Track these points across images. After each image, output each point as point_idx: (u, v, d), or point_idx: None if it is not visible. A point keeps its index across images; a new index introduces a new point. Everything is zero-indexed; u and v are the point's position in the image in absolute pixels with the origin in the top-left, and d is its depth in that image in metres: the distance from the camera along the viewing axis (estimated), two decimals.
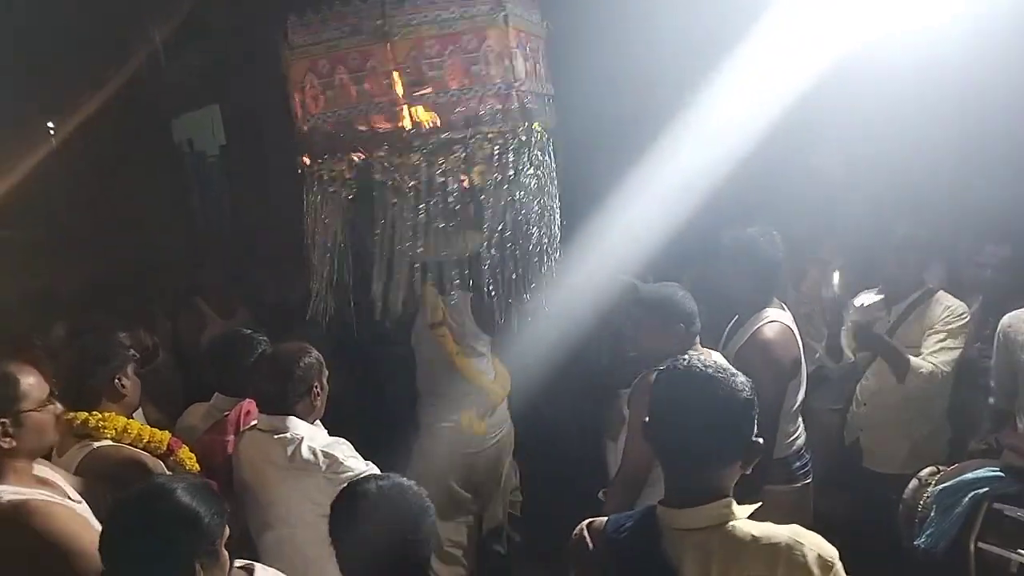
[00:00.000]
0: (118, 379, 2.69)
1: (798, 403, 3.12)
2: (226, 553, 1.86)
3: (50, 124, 6.53)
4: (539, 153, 3.02)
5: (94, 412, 2.55)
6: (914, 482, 2.83)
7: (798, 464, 3.12)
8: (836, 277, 3.42)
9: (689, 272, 4.33)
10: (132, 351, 2.81)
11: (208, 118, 6.84)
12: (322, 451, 2.52)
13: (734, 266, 3.11)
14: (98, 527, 1.97)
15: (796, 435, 3.14)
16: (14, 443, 2.05)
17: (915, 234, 3.47)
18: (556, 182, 3.12)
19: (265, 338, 3.08)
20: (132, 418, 2.73)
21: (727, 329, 3.23)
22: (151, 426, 2.74)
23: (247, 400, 2.92)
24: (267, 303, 4.81)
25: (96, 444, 2.51)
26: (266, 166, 6.12)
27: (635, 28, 4.25)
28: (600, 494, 2.98)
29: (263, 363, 2.66)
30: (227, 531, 1.86)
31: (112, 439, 2.56)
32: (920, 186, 3.87)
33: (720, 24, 3.77)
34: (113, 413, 2.62)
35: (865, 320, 3.31)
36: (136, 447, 2.59)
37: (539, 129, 3.00)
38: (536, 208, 3.02)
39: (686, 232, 3.91)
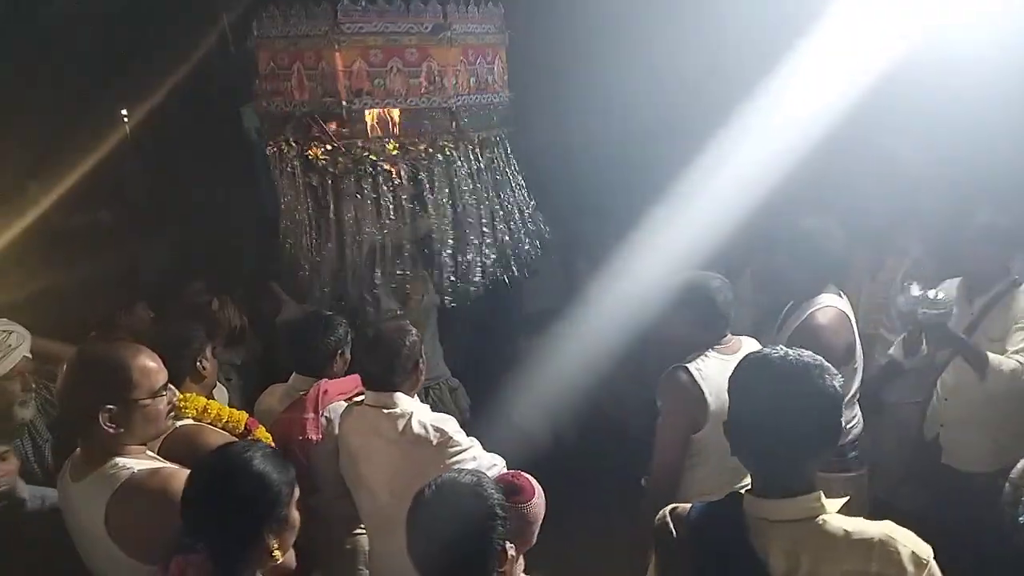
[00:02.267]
0: (199, 361, 2.81)
1: (854, 390, 3.09)
2: (296, 514, 1.93)
3: (124, 111, 6.71)
4: (475, 161, 3.41)
5: (180, 392, 2.62)
6: (1008, 486, 2.72)
7: (853, 454, 3.10)
8: (915, 287, 3.26)
9: (753, 263, 4.30)
10: (208, 333, 2.92)
11: None
12: (432, 425, 2.58)
13: (790, 258, 3.11)
14: None
15: (852, 422, 3.11)
16: (121, 430, 2.08)
17: (995, 223, 3.32)
18: (512, 185, 3.54)
19: (344, 320, 3.16)
20: (212, 397, 2.83)
21: (782, 314, 3.22)
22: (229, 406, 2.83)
23: (324, 380, 3.00)
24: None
25: (179, 423, 2.59)
26: None
27: (705, 14, 4.18)
28: (643, 480, 2.96)
29: (368, 345, 2.71)
30: (296, 494, 1.93)
31: (194, 418, 2.65)
32: (1003, 173, 3.73)
33: (795, 7, 3.70)
34: (194, 393, 2.73)
35: (934, 317, 3.16)
36: (215, 426, 2.67)
37: (477, 140, 3.38)
38: (479, 207, 3.44)
39: (759, 223, 3.86)
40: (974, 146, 3.74)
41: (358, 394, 2.90)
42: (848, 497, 1.77)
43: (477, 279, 3.53)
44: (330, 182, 3.32)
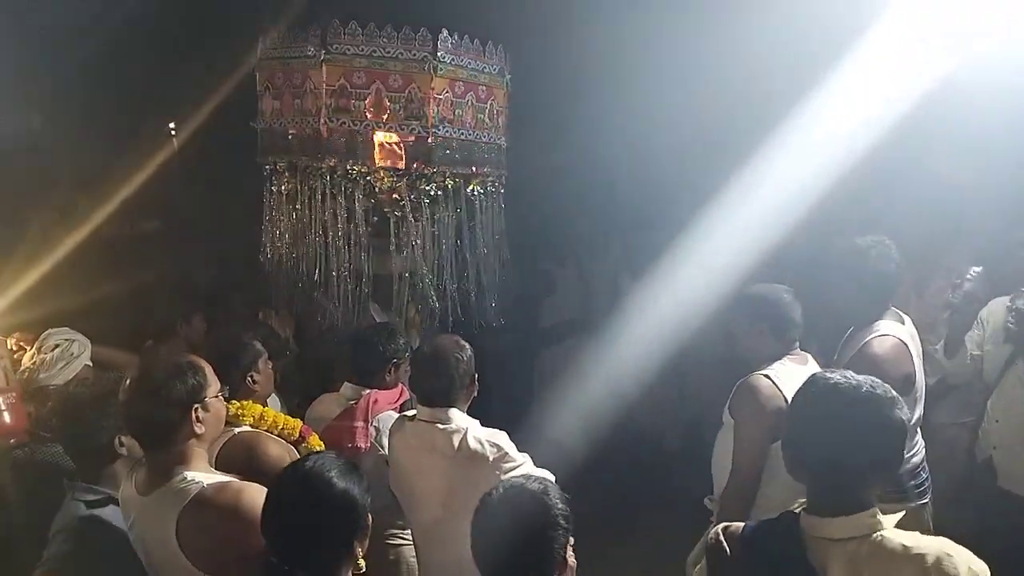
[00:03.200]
0: (250, 376, 2.83)
1: (915, 419, 3.01)
2: (370, 517, 1.98)
3: (172, 125, 6.86)
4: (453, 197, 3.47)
5: (233, 401, 2.67)
6: None
7: (913, 483, 3.02)
8: (967, 285, 3.27)
9: (789, 282, 4.27)
10: (261, 346, 2.93)
11: None
12: (488, 441, 2.59)
13: (844, 278, 3.02)
14: None
15: (912, 452, 3.04)
16: (204, 429, 2.17)
17: None
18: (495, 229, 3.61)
19: (400, 331, 3.22)
20: (267, 406, 2.89)
21: (842, 341, 3.14)
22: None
23: (374, 390, 3.06)
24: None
25: (237, 430, 2.65)
26: None
27: (752, 29, 4.19)
28: (706, 501, 2.96)
29: (425, 360, 2.73)
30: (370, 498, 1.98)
31: (251, 425, 2.70)
32: None
33: (841, 25, 3.70)
34: (250, 401, 2.77)
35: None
36: (271, 433, 2.73)
37: (454, 176, 3.44)
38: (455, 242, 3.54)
39: (806, 239, 3.85)
40: (1013, 166, 3.70)
41: (403, 407, 2.94)
42: (904, 512, 1.78)
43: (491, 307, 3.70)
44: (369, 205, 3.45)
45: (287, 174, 3.49)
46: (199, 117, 5.92)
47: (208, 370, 2.23)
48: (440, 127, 3.30)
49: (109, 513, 2.41)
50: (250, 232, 6.01)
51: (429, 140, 3.29)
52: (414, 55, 3.22)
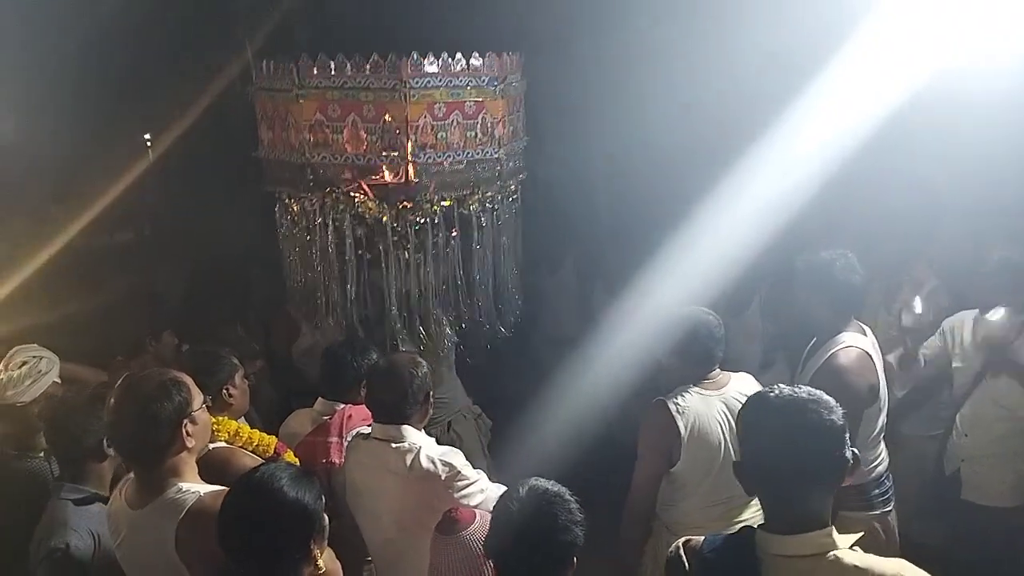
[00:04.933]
0: (226, 389, 2.83)
1: (878, 430, 3.08)
2: (326, 518, 2.01)
3: (147, 136, 6.80)
4: (508, 205, 3.49)
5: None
6: None
7: (877, 491, 3.08)
8: (918, 302, 3.32)
9: (762, 293, 4.32)
10: (237, 361, 2.93)
11: None
12: (440, 460, 2.58)
13: (809, 290, 3.09)
14: None
15: (876, 462, 3.10)
16: (194, 441, 2.19)
17: (1011, 258, 3.37)
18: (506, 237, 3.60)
19: (374, 347, 3.19)
20: (242, 422, 2.88)
21: (804, 352, 3.20)
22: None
23: (348, 405, 3.05)
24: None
25: (211, 446, 2.63)
26: None
27: (723, 40, 4.25)
28: None
29: (379, 375, 2.73)
30: (323, 500, 2.01)
31: (225, 441, 2.70)
32: (1022, 209, 3.77)
33: (815, 36, 3.75)
34: (225, 417, 2.77)
35: (1000, 336, 3.20)
36: (246, 450, 2.73)
37: (513, 183, 3.45)
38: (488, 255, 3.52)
39: (773, 252, 3.89)
40: (993, 179, 3.76)
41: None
42: (862, 532, 1.79)
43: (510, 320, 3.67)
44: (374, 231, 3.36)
45: (289, 201, 3.47)
46: (176, 129, 5.90)
47: (190, 383, 2.24)
48: (420, 154, 3.21)
49: (95, 511, 2.46)
50: (222, 245, 6.01)
51: (409, 169, 3.20)
52: (384, 83, 3.12)
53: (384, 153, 3.18)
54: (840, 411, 1.76)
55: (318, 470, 2.85)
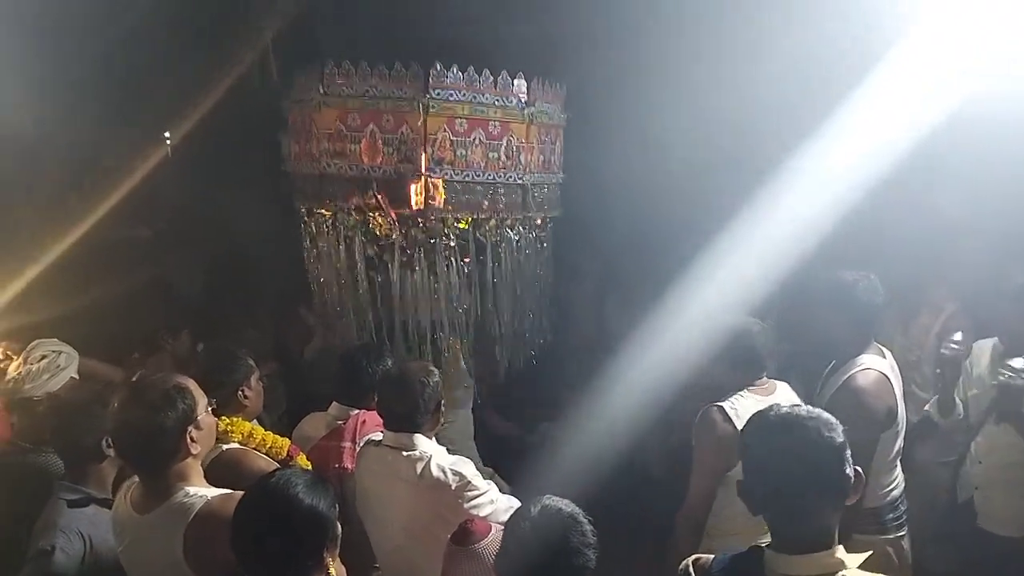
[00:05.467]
0: (241, 391, 2.84)
1: (894, 453, 3.06)
2: (339, 526, 2.01)
3: (167, 133, 6.84)
4: (535, 238, 3.40)
5: (222, 417, 2.68)
6: None
7: (891, 515, 3.06)
8: (959, 335, 3.31)
9: (779, 312, 4.30)
10: (253, 362, 2.94)
11: None
12: (451, 469, 2.59)
13: (829, 311, 3.07)
14: None
15: (892, 486, 3.08)
16: (199, 447, 2.20)
17: None
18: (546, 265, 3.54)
19: (390, 354, 3.20)
20: (254, 423, 2.89)
21: (824, 374, 3.19)
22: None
23: (362, 410, 3.05)
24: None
25: (225, 447, 2.65)
26: None
27: (749, 57, 4.24)
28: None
29: (391, 383, 2.73)
30: (337, 510, 2.01)
31: (239, 443, 2.71)
32: None
33: (835, 65, 3.75)
34: (239, 418, 2.78)
35: (1015, 386, 3.11)
36: (259, 451, 2.74)
37: (539, 217, 3.35)
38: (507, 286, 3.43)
39: (791, 272, 3.88)
40: (1016, 207, 3.75)
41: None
42: (870, 552, 1.79)
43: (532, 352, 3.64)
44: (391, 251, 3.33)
45: (308, 217, 3.45)
46: (196, 126, 5.93)
47: (194, 388, 2.24)
48: (437, 169, 3.12)
49: (90, 513, 2.46)
50: (238, 243, 6.03)
51: (419, 184, 3.12)
52: (404, 94, 3.05)
53: (399, 165, 3.11)
54: (840, 428, 1.77)
55: (330, 475, 2.87)
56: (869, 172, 3.62)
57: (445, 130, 3.10)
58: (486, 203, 3.26)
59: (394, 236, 3.20)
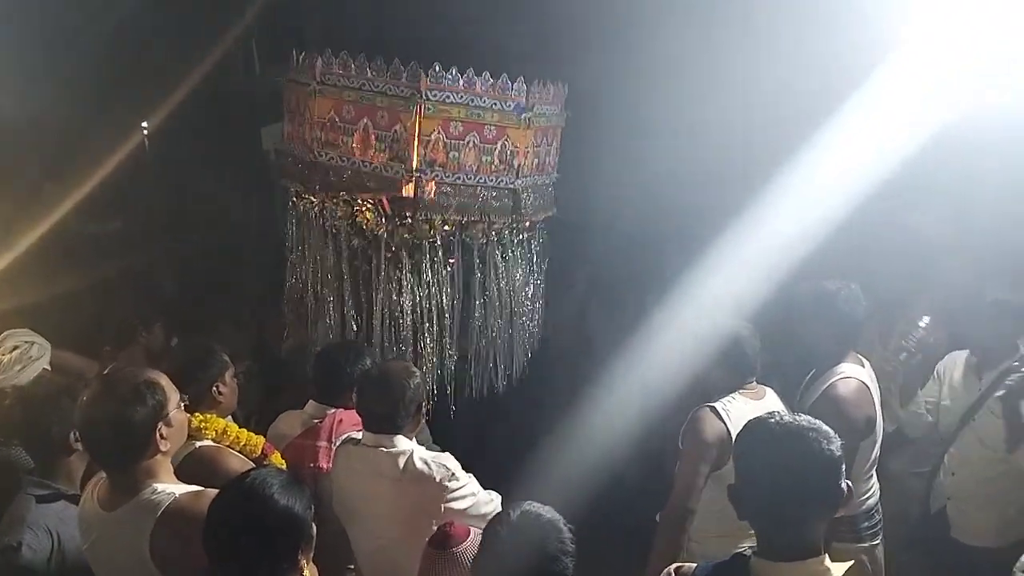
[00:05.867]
0: (216, 387, 2.79)
1: (871, 461, 3.10)
2: (314, 527, 1.99)
3: (144, 124, 6.76)
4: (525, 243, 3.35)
5: (196, 414, 2.63)
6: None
7: (867, 524, 3.09)
8: (925, 319, 3.39)
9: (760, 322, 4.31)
10: (228, 359, 2.90)
11: None
12: (434, 461, 2.58)
13: (811, 320, 3.10)
14: None
15: (868, 495, 3.11)
16: (168, 444, 2.15)
17: (1007, 300, 3.39)
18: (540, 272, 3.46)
19: (368, 352, 3.15)
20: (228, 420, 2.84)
21: (804, 383, 3.21)
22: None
23: (339, 410, 3.01)
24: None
25: (198, 444, 2.61)
26: None
27: (739, 68, 4.26)
28: (658, 516, 3.02)
29: (372, 384, 2.70)
30: (313, 510, 1.99)
31: (212, 440, 2.66)
32: (1018, 252, 3.79)
33: (821, 84, 3.77)
34: (213, 415, 2.73)
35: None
36: (233, 449, 2.69)
37: (533, 220, 3.30)
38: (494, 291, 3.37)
39: (770, 278, 3.89)
40: (993, 225, 3.79)
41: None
42: (853, 561, 1.79)
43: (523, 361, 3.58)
44: (376, 248, 3.27)
45: (296, 199, 3.37)
46: (175, 116, 5.87)
47: (165, 384, 2.19)
48: (427, 171, 3.07)
49: (58, 509, 2.42)
50: (217, 236, 5.97)
51: (407, 185, 3.08)
52: (401, 91, 2.99)
53: (389, 163, 3.07)
54: (838, 442, 1.77)
55: (305, 474, 2.82)
56: (855, 187, 3.64)
57: (439, 131, 3.06)
58: (475, 206, 3.22)
59: (381, 231, 3.15)
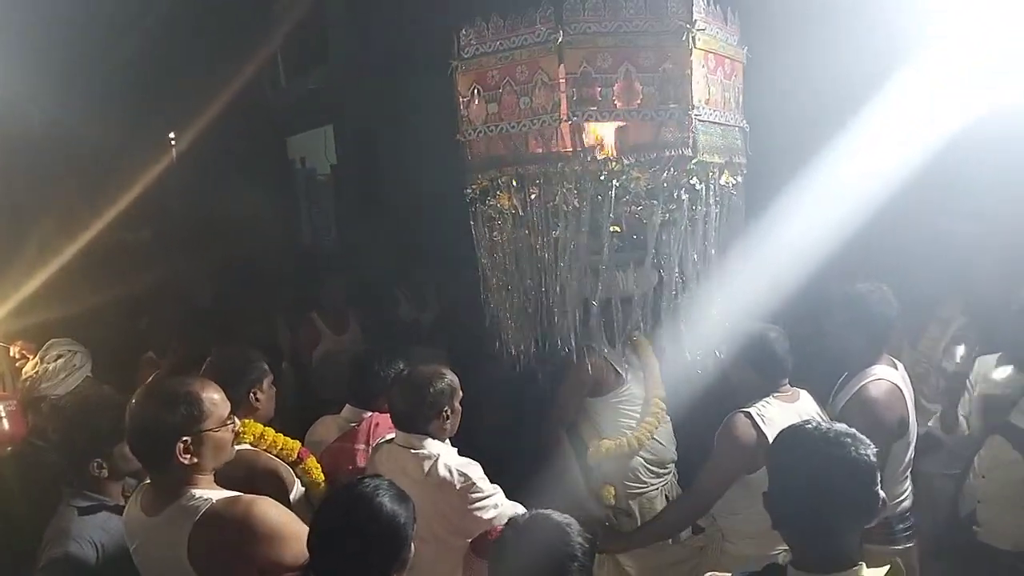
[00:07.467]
0: (253, 393, 2.82)
1: (905, 463, 3.08)
2: (411, 550, 2.02)
3: (171, 135, 6.88)
4: (713, 192, 2.93)
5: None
6: None
7: (901, 526, 3.08)
8: (960, 349, 3.33)
9: (785, 323, 4.29)
10: (267, 367, 2.93)
11: (322, 138, 7.13)
12: (457, 470, 2.60)
13: (844, 322, 3.10)
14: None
15: (902, 497, 3.10)
16: (195, 460, 2.15)
17: None
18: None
19: (402, 357, 3.19)
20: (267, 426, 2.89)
21: (836, 384, 3.20)
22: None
23: (375, 413, 3.06)
24: (397, 321, 4.94)
25: (237, 448, 2.64)
26: (379, 186, 6.30)
27: (771, 63, 4.25)
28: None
29: (399, 384, 2.76)
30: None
31: (250, 444, 2.71)
32: None
33: (847, 86, 3.77)
34: (251, 420, 2.78)
35: (1000, 396, 3.18)
36: (270, 453, 2.74)
37: (716, 163, 2.88)
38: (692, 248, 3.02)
39: (800, 279, 3.88)
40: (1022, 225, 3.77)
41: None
42: (889, 566, 1.79)
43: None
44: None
45: (508, 188, 2.92)
46: (207, 128, 5.96)
47: (208, 401, 2.19)
48: (701, 109, 2.75)
49: (101, 520, 2.44)
50: (250, 246, 6.05)
51: (691, 125, 2.72)
52: (668, 26, 2.64)
53: (662, 106, 2.71)
54: (873, 449, 1.77)
55: (343, 477, 2.85)
56: (884, 187, 3.63)
57: (703, 65, 2.75)
58: (730, 147, 2.95)
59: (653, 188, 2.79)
